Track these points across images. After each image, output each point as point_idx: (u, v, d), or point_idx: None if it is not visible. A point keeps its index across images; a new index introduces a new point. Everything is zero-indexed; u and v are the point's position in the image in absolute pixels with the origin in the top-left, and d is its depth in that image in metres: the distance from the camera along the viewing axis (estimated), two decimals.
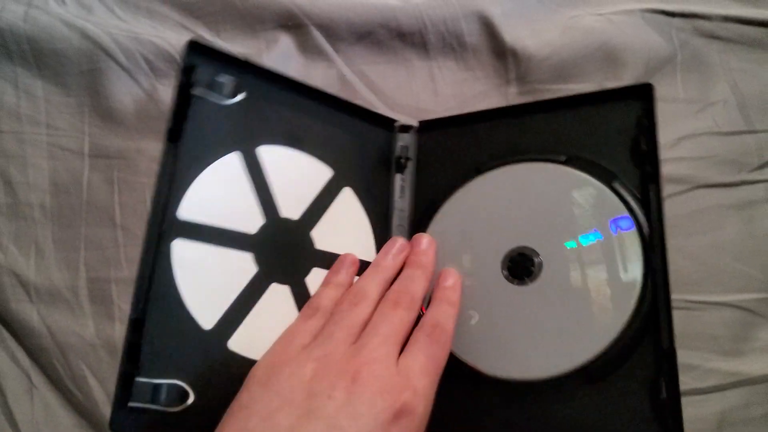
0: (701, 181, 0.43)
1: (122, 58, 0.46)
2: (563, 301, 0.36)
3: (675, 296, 0.40)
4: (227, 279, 0.35)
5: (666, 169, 0.44)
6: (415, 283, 0.36)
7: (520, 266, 0.38)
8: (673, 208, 0.43)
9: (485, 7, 0.48)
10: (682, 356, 0.39)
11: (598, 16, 0.48)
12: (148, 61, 0.46)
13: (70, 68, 0.46)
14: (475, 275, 0.39)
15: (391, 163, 0.44)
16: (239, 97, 0.38)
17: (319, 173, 0.41)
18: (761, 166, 0.43)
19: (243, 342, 0.34)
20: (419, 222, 0.42)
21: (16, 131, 0.45)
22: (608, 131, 0.39)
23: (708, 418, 0.38)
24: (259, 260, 0.36)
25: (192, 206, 0.34)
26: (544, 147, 0.40)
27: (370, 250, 0.41)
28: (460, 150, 0.43)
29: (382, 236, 0.42)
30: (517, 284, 0.37)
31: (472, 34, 0.47)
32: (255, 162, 0.38)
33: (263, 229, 0.37)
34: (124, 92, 0.45)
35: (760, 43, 0.47)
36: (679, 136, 0.44)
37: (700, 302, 0.40)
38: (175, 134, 0.34)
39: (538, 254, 0.37)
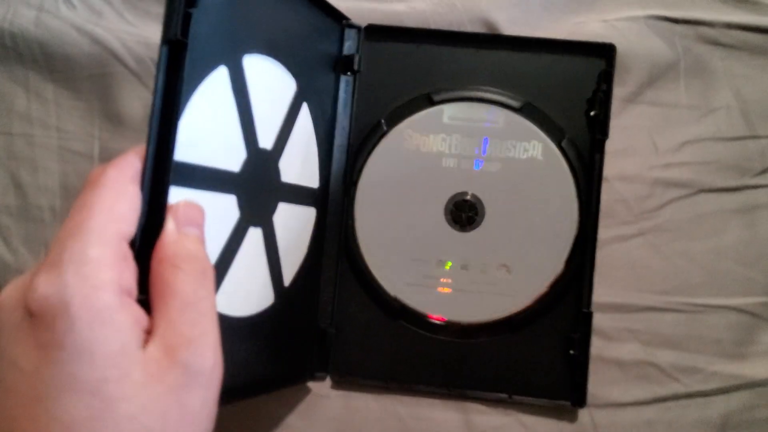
0: (704, 185, 0.43)
1: (132, 63, 0.46)
2: (499, 252, 0.40)
3: (678, 299, 0.41)
4: (211, 230, 0.28)
5: (669, 174, 0.44)
6: None
7: (463, 213, 0.40)
8: (676, 212, 0.43)
9: (490, 13, 0.48)
10: (686, 359, 0.39)
11: (602, 22, 0.48)
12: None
13: (80, 72, 0.46)
14: (417, 216, 0.40)
15: (338, 68, 0.41)
16: None
17: (287, 88, 0.37)
18: (764, 171, 0.44)
19: (224, 300, 0.30)
20: (361, 146, 0.41)
21: (26, 134, 0.45)
22: (565, 84, 0.40)
23: (711, 421, 0.38)
24: (241, 203, 0.32)
25: (185, 142, 0.27)
26: (499, 85, 0.41)
27: (314, 176, 0.39)
28: (410, 69, 0.42)
29: (326, 158, 0.40)
30: (459, 230, 0.40)
31: None
32: (241, 78, 0.32)
33: (245, 164, 0.33)
34: (134, 96, 0.46)
35: (762, 49, 0.47)
36: (683, 141, 0.45)
37: (702, 305, 0.41)
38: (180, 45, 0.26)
39: (481, 203, 0.39)
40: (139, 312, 0.23)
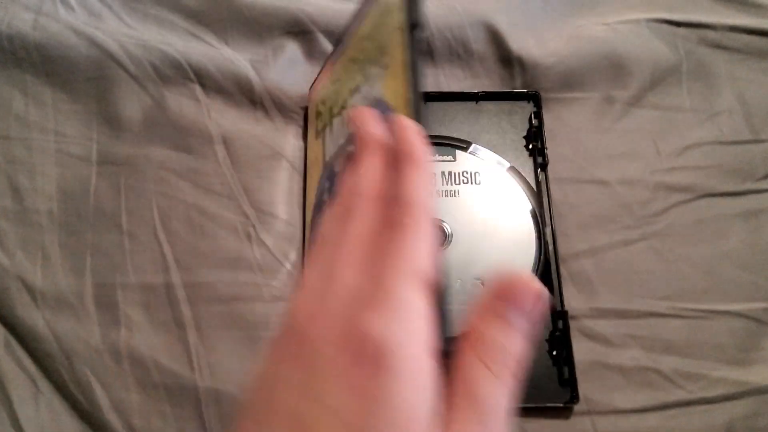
0: (707, 190, 0.43)
1: (130, 66, 0.46)
2: (472, 267, 0.42)
3: (681, 305, 0.40)
4: None
5: (672, 178, 0.44)
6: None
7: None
8: (678, 217, 0.43)
9: (491, 16, 0.48)
10: (689, 366, 0.39)
11: (603, 25, 0.48)
12: (155, 68, 0.46)
13: (78, 75, 0.46)
14: None
15: None
16: None
17: None
18: (767, 176, 0.43)
19: None
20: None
21: (24, 138, 0.45)
22: (506, 124, 0.46)
23: (715, 428, 0.38)
24: None
25: None
26: (450, 130, 0.46)
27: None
28: None
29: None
30: None
31: (478, 42, 0.48)
32: None
33: None
34: (132, 99, 0.45)
35: (765, 53, 0.47)
36: (685, 145, 0.44)
37: (706, 311, 0.40)
38: None
39: (448, 227, 0.43)
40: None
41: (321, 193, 0.40)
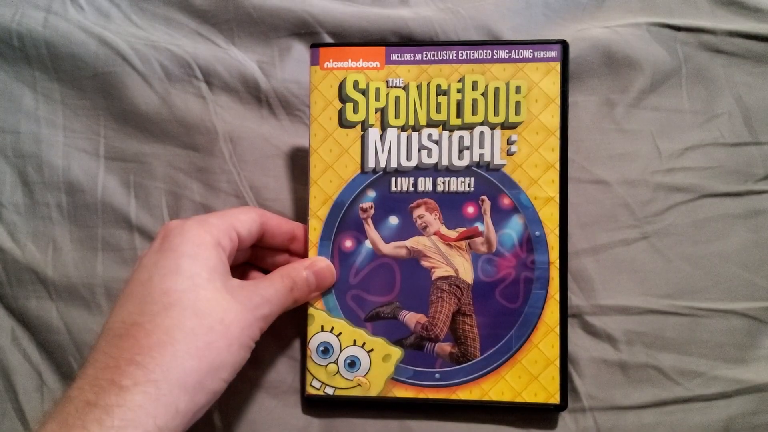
0: (707, 190, 0.44)
1: (138, 63, 0.46)
2: None
3: (681, 303, 0.41)
4: None
5: (672, 179, 0.44)
6: None
7: None
8: (679, 217, 0.43)
9: (494, 21, 0.49)
10: (688, 363, 0.40)
11: (604, 28, 0.49)
12: (163, 66, 0.46)
13: (86, 71, 0.47)
14: None
15: None
16: None
17: None
18: (767, 177, 0.44)
19: None
20: None
21: (34, 132, 0.46)
22: None
23: (713, 426, 0.38)
24: None
25: None
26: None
27: None
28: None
29: None
30: None
31: None
32: None
33: None
34: (139, 95, 0.46)
35: (764, 57, 0.48)
36: (685, 146, 0.45)
37: (705, 309, 0.41)
38: None
39: None
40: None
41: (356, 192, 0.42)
